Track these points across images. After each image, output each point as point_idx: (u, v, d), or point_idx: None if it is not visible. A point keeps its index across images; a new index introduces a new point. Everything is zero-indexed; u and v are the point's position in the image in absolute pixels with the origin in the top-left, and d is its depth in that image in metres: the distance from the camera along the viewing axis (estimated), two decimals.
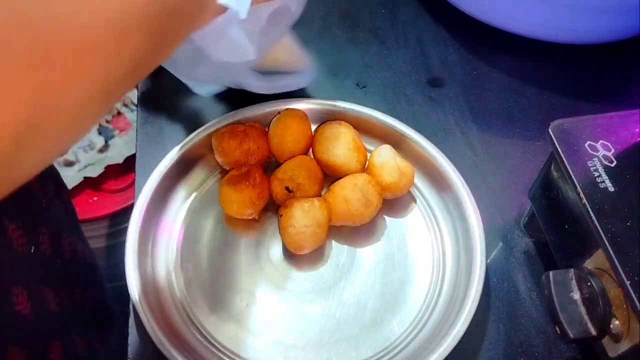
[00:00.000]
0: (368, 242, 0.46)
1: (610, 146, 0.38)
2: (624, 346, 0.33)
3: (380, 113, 0.50)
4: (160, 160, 0.46)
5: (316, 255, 0.45)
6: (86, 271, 0.50)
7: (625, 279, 0.31)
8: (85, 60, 0.22)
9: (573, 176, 0.36)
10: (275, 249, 0.45)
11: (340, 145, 0.46)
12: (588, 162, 0.37)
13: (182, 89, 0.51)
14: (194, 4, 0.30)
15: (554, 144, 0.38)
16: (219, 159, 0.47)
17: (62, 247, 0.44)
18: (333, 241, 0.46)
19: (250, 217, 0.46)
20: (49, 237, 0.42)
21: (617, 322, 0.33)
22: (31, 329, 0.37)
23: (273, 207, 0.47)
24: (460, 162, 0.48)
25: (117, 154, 0.99)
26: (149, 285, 0.42)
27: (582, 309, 0.34)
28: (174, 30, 0.29)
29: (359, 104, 0.50)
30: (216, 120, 0.49)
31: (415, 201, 0.48)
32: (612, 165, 0.37)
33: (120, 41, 0.24)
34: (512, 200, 0.49)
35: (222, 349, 0.40)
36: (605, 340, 0.34)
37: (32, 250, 0.39)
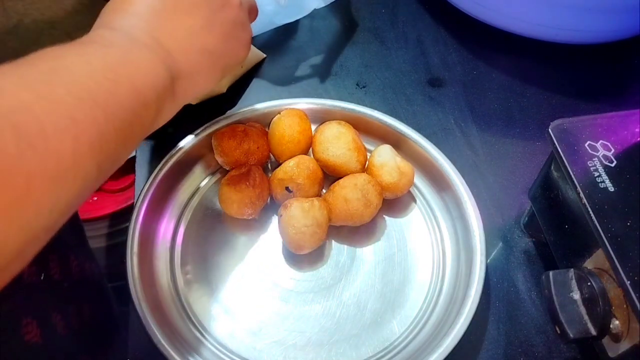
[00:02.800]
0: (368, 242, 0.46)
1: (610, 146, 0.38)
2: (624, 346, 0.33)
3: (380, 113, 0.50)
4: (160, 160, 0.46)
5: (316, 255, 0.45)
6: (94, 288, 0.50)
7: (625, 279, 0.31)
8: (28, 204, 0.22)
9: (573, 176, 0.36)
10: (275, 249, 0.45)
11: (340, 145, 0.46)
12: (588, 162, 0.37)
13: None
14: (147, 116, 0.30)
15: (554, 144, 0.38)
16: (219, 159, 0.47)
17: (70, 269, 0.44)
18: (333, 241, 0.46)
19: (250, 217, 0.46)
20: (58, 262, 0.42)
21: (617, 322, 0.33)
22: (41, 356, 0.37)
23: (273, 207, 0.47)
24: (460, 162, 0.48)
25: None
26: (149, 285, 0.42)
27: (582, 309, 0.34)
28: (127, 145, 0.29)
29: (359, 104, 0.50)
30: (216, 120, 0.49)
31: (415, 201, 0.48)
32: (612, 165, 0.37)
33: (74, 173, 0.24)
34: (512, 200, 0.49)
35: (222, 348, 0.40)
36: (605, 340, 0.34)
37: (42, 278, 0.39)
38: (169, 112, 0.34)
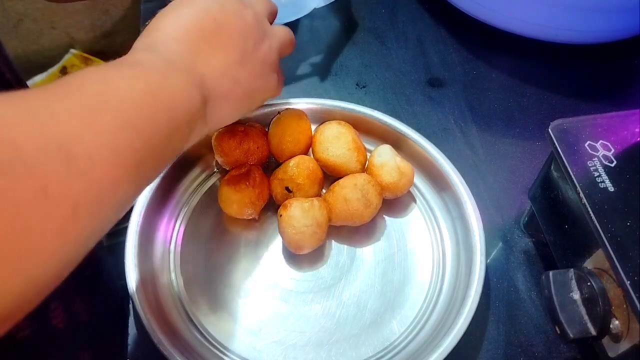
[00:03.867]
0: (368, 242, 0.46)
1: (610, 146, 0.38)
2: (623, 346, 0.33)
3: (380, 113, 0.50)
4: None
5: (316, 255, 0.45)
6: (109, 277, 0.50)
7: (625, 279, 0.31)
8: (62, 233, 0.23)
9: (573, 176, 0.36)
10: (275, 249, 0.45)
11: (340, 145, 0.46)
12: (588, 162, 0.37)
13: None
14: (179, 139, 0.32)
15: (554, 144, 0.38)
16: (219, 159, 0.47)
17: (89, 256, 0.45)
18: (333, 241, 0.46)
19: (250, 217, 0.46)
20: None
21: (617, 322, 0.33)
22: (64, 341, 0.37)
23: (273, 207, 0.47)
24: (460, 162, 0.48)
25: None
26: (149, 285, 0.42)
27: (582, 309, 0.34)
28: (158, 168, 0.30)
29: (359, 104, 0.50)
30: None
31: (415, 201, 0.48)
32: (612, 165, 0.37)
33: (111, 200, 0.25)
34: (512, 200, 0.49)
35: (221, 348, 0.40)
36: (605, 340, 0.34)
37: None
38: (198, 136, 0.35)
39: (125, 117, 0.26)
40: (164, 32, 0.35)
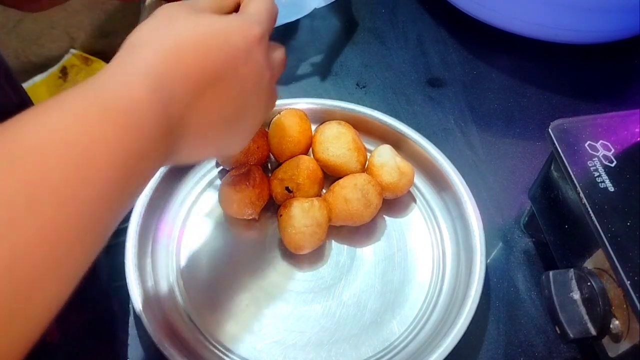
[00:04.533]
0: (368, 242, 0.46)
1: (610, 146, 0.38)
2: (624, 346, 0.33)
3: (380, 113, 0.50)
4: None
5: (316, 255, 0.45)
6: (102, 285, 0.50)
7: (625, 279, 0.31)
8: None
9: (573, 176, 0.36)
10: (275, 249, 0.45)
11: (340, 145, 0.46)
12: (588, 162, 0.37)
13: None
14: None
15: (554, 144, 0.38)
16: (219, 159, 0.47)
17: None
18: (333, 241, 0.46)
19: (250, 217, 0.46)
20: None
21: (617, 322, 0.33)
22: (61, 354, 0.37)
23: (273, 207, 0.47)
24: (460, 162, 0.48)
25: None
26: (149, 286, 0.42)
27: (582, 309, 0.34)
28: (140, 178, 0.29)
29: (359, 104, 0.50)
30: None
31: (415, 201, 0.48)
32: (612, 165, 0.37)
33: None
34: (512, 200, 0.49)
35: (222, 348, 0.40)
36: (605, 340, 0.34)
37: None
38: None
39: (104, 200, 0.25)
40: (179, 61, 0.30)
